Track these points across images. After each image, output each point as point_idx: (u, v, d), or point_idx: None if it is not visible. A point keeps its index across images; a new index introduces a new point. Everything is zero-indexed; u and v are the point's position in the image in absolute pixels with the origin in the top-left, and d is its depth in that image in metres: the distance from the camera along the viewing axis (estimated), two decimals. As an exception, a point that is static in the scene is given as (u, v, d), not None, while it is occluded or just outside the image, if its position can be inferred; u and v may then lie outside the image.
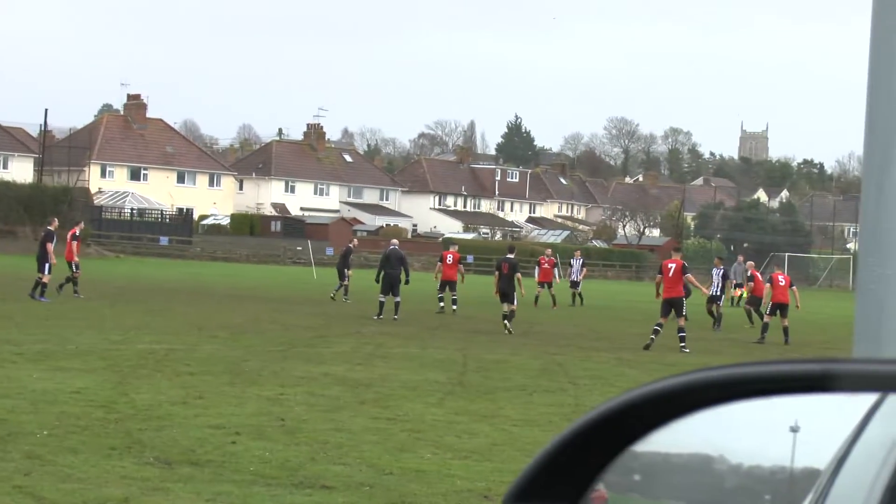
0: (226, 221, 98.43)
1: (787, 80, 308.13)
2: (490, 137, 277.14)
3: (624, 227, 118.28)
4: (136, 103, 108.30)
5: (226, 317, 29.30)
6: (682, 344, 26.31)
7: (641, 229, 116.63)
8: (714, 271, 36.88)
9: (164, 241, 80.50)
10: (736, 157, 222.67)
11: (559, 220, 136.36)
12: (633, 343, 28.00)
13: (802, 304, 34.41)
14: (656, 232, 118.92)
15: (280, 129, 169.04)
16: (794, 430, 1.88)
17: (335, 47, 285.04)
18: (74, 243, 34.71)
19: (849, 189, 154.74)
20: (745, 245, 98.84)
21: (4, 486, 9.40)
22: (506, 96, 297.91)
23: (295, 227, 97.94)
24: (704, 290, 32.74)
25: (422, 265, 71.48)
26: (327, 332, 26.38)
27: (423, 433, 12.90)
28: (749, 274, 37.74)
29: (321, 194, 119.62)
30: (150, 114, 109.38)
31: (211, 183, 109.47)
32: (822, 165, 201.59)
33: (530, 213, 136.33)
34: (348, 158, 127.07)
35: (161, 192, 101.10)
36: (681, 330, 26.64)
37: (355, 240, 46.00)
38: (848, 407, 1.89)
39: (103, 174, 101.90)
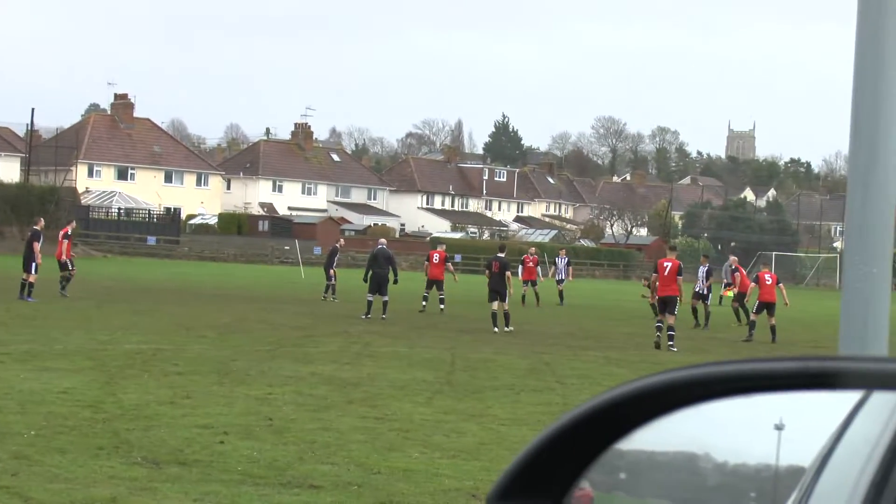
0: (213, 221, 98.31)
1: (773, 79, 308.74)
2: (477, 137, 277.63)
3: (611, 226, 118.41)
4: (123, 103, 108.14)
5: (213, 316, 29.26)
6: (671, 343, 26.37)
7: (629, 228, 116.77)
8: (700, 269, 36.85)
9: (151, 240, 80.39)
10: (723, 156, 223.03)
11: (547, 219, 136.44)
12: (620, 342, 28.04)
13: (790, 303, 34.46)
14: (644, 231, 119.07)
15: (267, 129, 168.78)
16: (779, 427, 1.89)
17: (323, 47, 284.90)
18: (66, 242, 34.69)
19: (836, 188, 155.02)
20: (733, 244, 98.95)
21: (-8, 486, 9.39)
22: (493, 95, 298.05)
23: (283, 227, 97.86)
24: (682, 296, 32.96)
25: (409, 265, 71.48)
26: (315, 332, 26.36)
27: (411, 432, 12.90)
28: (733, 268, 37.79)
29: (309, 194, 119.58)
30: (137, 113, 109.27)
31: (198, 182, 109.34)
32: (809, 164, 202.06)
33: (518, 212, 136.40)
34: (336, 158, 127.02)
35: (148, 191, 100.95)
36: (670, 328, 26.70)
37: (342, 239, 46.01)
38: (832, 405, 1.90)
39: (90, 174, 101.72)
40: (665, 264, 27.47)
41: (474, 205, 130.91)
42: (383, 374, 18.43)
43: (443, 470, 10.88)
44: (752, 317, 31.09)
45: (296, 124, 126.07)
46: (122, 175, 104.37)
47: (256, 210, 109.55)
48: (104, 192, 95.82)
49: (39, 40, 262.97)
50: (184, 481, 9.87)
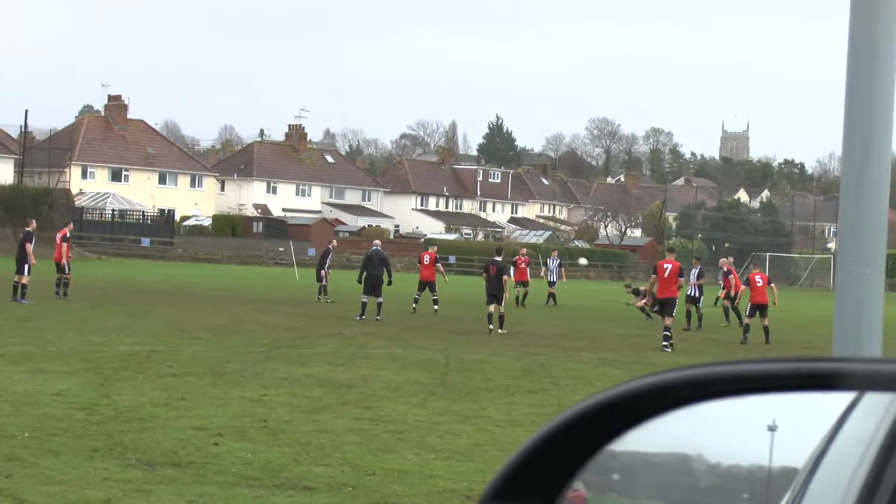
0: (207, 222, 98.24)
1: (767, 80, 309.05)
2: (472, 138, 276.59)
3: (606, 227, 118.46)
4: (116, 104, 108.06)
5: (208, 318, 29.25)
6: (665, 343, 26.39)
7: (623, 229, 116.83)
8: (692, 271, 36.77)
9: (145, 242, 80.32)
10: (717, 157, 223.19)
11: (541, 220, 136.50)
12: (614, 343, 28.05)
13: (783, 304, 34.50)
14: (638, 232, 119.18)
15: (262, 130, 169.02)
16: (772, 429, 1.89)
17: (317, 48, 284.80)
18: (65, 245, 34.65)
19: (829, 189, 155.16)
20: (727, 245, 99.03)
21: (-14, 488, 9.38)
22: (487, 97, 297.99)
23: (277, 228, 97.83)
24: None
25: (404, 266, 71.49)
26: (309, 333, 26.35)
27: (405, 434, 12.90)
28: (726, 270, 37.78)
29: (303, 195, 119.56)
30: (130, 115, 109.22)
31: (192, 184, 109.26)
32: (802, 165, 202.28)
33: (512, 213, 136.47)
34: (330, 159, 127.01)
35: (142, 193, 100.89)
36: (666, 329, 26.74)
37: (334, 241, 45.94)
38: (825, 406, 1.91)
39: (84, 175, 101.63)
40: (665, 266, 27.48)
41: (468, 206, 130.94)
42: (378, 376, 18.42)
43: (437, 471, 10.88)
44: (746, 320, 31.07)
45: (290, 126, 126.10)
46: (116, 177, 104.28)
47: (250, 211, 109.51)
48: (98, 193, 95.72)
49: (32, 42, 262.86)
50: (178, 483, 9.86)
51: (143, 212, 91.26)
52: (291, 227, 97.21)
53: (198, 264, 74.39)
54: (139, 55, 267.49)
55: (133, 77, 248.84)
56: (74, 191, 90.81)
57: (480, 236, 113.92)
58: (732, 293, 36.88)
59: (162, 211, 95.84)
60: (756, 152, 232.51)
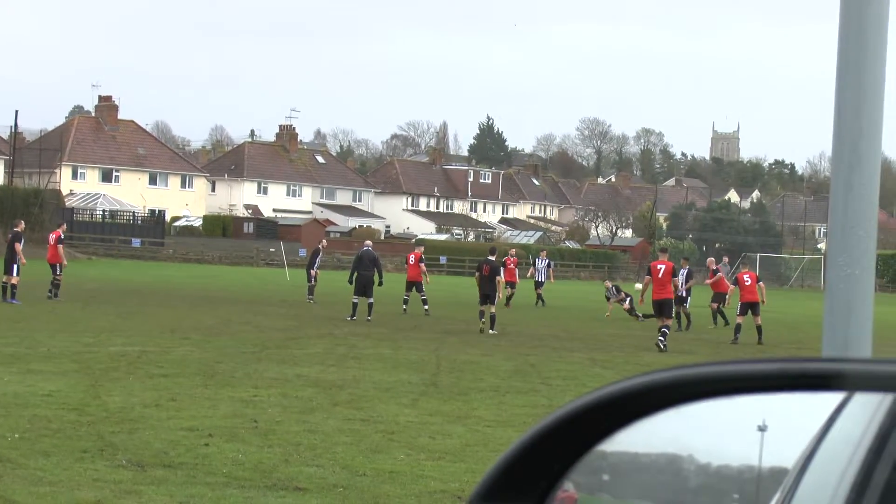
0: (198, 223, 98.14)
1: (758, 81, 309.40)
2: (462, 138, 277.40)
3: (597, 227, 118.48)
4: (107, 105, 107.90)
5: (198, 319, 29.22)
6: (662, 338, 26.44)
7: (614, 230, 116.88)
8: (680, 272, 36.75)
9: (136, 242, 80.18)
10: (707, 157, 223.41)
11: (532, 220, 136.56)
12: (606, 343, 28.07)
13: (774, 304, 34.56)
14: (629, 232, 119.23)
15: (252, 131, 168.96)
16: (762, 429, 1.90)
17: (307, 48, 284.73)
18: (60, 246, 34.64)
19: (820, 189, 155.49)
20: (718, 245, 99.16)
21: (-24, 489, 9.36)
22: (478, 97, 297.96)
23: (268, 229, 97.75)
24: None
25: (395, 266, 71.39)
26: (300, 334, 26.34)
27: (396, 434, 12.90)
28: (714, 269, 37.81)
29: (294, 196, 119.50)
30: (121, 115, 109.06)
31: (183, 184, 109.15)
32: (793, 166, 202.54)
33: (503, 214, 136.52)
34: (321, 160, 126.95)
35: (133, 193, 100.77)
36: (665, 327, 26.86)
37: (324, 241, 45.93)
38: (815, 406, 1.91)
39: (74, 176, 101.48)
40: (659, 267, 27.49)
41: (459, 206, 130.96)
42: (368, 376, 18.42)
43: (428, 472, 10.88)
44: (738, 319, 31.06)
45: (280, 126, 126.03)
46: (107, 177, 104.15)
47: (241, 212, 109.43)
48: (88, 194, 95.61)
49: (22, 42, 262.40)
50: (169, 484, 9.85)
51: (133, 212, 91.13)
52: (282, 228, 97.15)
53: (188, 265, 74.28)
54: (130, 56, 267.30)
55: (124, 78, 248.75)
56: (65, 191, 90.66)
57: (471, 237, 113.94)
58: (712, 290, 37.01)
59: (152, 211, 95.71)
60: (746, 153, 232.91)
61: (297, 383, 17.10)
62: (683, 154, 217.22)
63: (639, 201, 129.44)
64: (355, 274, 32.72)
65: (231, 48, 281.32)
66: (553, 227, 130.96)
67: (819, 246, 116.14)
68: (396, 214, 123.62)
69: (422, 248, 38.90)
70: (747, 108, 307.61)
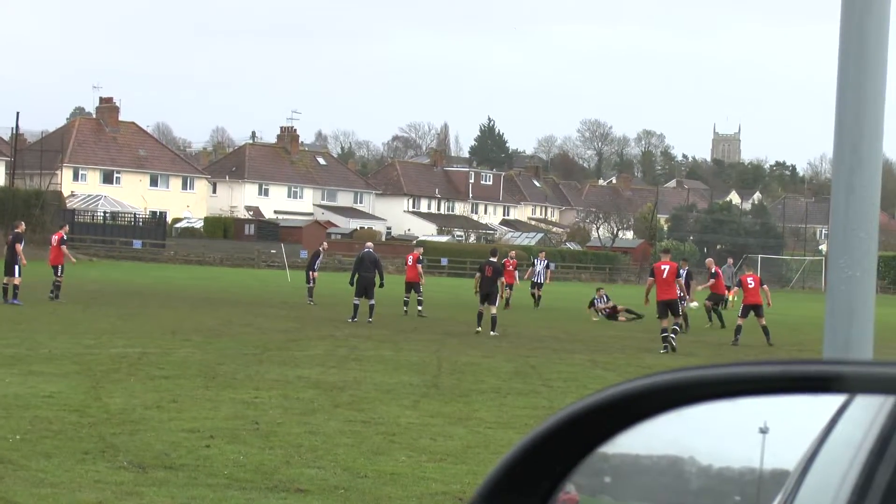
0: (199, 225, 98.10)
1: (758, 82, 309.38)
2: (463, 140, 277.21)
3: (597, 229, 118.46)
4: (108, 106, 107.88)
5: (200, 320, 29.22)
6: (673, 336, 26.67)
7: (615, 231, 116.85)
8: (680, 272, 36.79)
9: (137, 244, 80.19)
10: (708, 159, 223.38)
11: (533, 222, 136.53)
12: (607, 345, 28.05)
13: (775, 306, 34.49)
14: (630, 234, 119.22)
15: (253, 132, 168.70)
16: (763, 431, 1.90)
17: (308, 50, 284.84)
18: (64, 247, 34.70)
19: (821, 191, 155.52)
20: (719, 247, 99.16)
21: (-23, 491, 9.36)
22: (479, 99, 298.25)
23: (269, 231, 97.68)
24: (689, 298, 32.91)
25: (396, 268, 71.34)
26: (301, 336, 26.34)
27: (397, 436, 12.90)
28: (713, 271, 37.83)
29: (295, 197, 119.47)
30: (122, 117, 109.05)
31: (184, 186, 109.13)
32: (794, 167, 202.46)
33: (504, 215, 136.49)
34: (322, 161, 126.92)
35: (134, 195, 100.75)
36: (675, 325, 26.98)
37: (325, 243, 45.94)
38: (816, 408, 1.91)
39: (76, 178, 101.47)
40: (662, 267, 27.54)
41: (460, 208, 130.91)
42: (369, 378, 18.42)
43: (429, 473, 10.88)
44: (739, 321, 31.02)
45: (281, 128, 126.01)
46: (108, 179, 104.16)
47: (242, 214, 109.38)
48: (89, 195, 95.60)
49: (24, 43, 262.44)
50: (170, 485, 9.85)
51: (134, 214, 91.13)
52: (283, 230, 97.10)
53: (189, 266, 74.28)
54: (130, 57, 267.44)
55: (125, 79, 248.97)
56: (66, 193, 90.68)
57: (472, 238, 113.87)
58: (709, 290, 37.10)
59: (153, 213, 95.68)
60: (747, 154, 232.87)
61: (299, 385, 17.10)
62: (684, 156, 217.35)
63: (640, 203, 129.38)
64: (356, 275, 32.72)
65: (231, 49, 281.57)
66: (554, 229, 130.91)
67: (820, 247, 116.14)
68: (397, 216, 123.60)
69: (421, 250, 38.98)
70: (748, 109, 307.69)
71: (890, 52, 3.90)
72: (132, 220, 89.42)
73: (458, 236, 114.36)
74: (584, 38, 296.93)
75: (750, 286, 31.12)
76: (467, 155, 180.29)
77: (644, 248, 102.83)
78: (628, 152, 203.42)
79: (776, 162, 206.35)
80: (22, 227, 34.12)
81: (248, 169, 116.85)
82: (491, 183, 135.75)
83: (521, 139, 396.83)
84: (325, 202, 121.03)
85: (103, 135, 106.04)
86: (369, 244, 36.02)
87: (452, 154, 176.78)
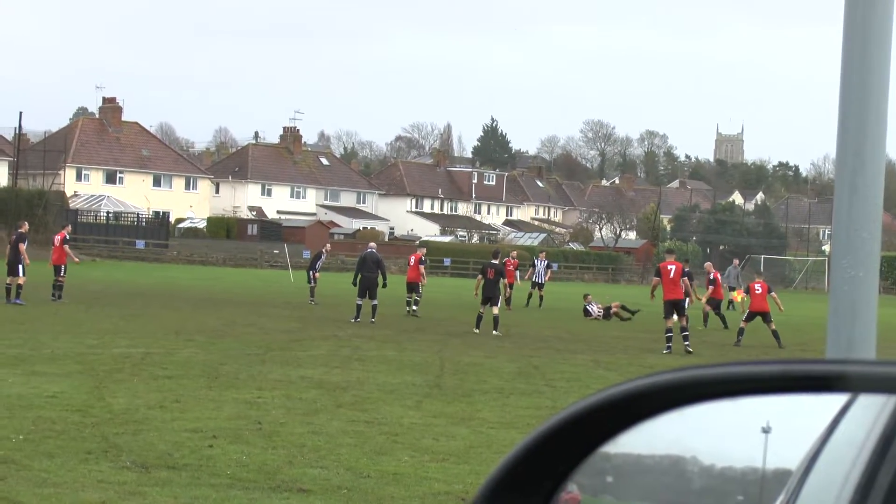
0: (202, 225, 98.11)
1: (761, 83, 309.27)
2: (466, 140, 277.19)
3: (600, 229, 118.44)
4: (111, 106, 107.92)
5: (202, 320, 29.23)
6: (686, 343, 26.80)
7: (618, 232, 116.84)
8: None
9: (140, 244, 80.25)
10: (711, 159, 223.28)
11: (536, 222, 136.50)
12: (609, 345, 28.05)
13: (784, 308, 34.52)
14: (633, 235, 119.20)
15: (256, 133, 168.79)
16: (766, 430, 1.90)
17: (311, 50, 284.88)
18: (66, 246, 34.71)
19: (824, 191, 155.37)
20: (722, 247, 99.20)
21: (-20, 491, 9.37)
22: (482, 99, 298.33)
23: (272, 231, 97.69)
24: (697, 296, 32.88)
25: (398, 268, 71.32)
26: (304, 336, 26.35)
27: (400, 436, 12.90)
28: (711, 277, 37.86)
29: (298, 197, 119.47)
30: (125, 117, 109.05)
31: (187, 186, 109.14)
32: (797, 168, 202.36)
33: (507, 215, 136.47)
34: (325, 161, 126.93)
35: (137, 195, 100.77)
36: (684, 329, 27.03)
37: (328, 244, 45.98)
38: (819, 408, 1.91)
39: (79, 177, 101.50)
40: (668, 268, 27.59)
41: (463, 208, 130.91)
42: (372, 378, 18.42)
43: (432, 473, 10.88)
44: (742, 324, 31.03)
45: (284, 128, 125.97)
46: (111, 179, 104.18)
47: (245, 214, 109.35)
48: (92, 196, 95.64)
49: (27, 44, 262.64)
50: (173, 485, 9.86)
51: (137, 214, 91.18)
52: (286, 230, 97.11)
53: (192, 266, 74.32)
54: (134, 57, 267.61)
55: (128, 79, 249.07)
56: (69, 193, 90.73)
57: (475, 239, 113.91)
58: (708, 295, 37.16)
59: (156, 213, 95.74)
60: (750, 155, 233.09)
61: (301, 385, 17.11)
62: (687, 156, 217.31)
63: (643, 203, 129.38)
64: (359, 276, 32.72)
65: (232, 49, 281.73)
66: (557, 229, 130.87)
67: (823, 248, 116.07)
68: (400, 216, 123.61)
69: (423, 250, 39.00)
70: (751, 110, 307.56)
71: (893, 53, 3.90)
72: (135, 220, 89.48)
73: (461, 237, 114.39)
74: (584, 39, 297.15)
75: (757, 292, 31.10)
76: (470, 155, 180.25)
77: (647, 249, 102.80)
78: (631, 153, 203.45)
79: (779, 162, 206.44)
80: (25, 227, 34.16)
81: (251, 169, 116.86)
82: (494, 183, 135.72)
83: (524, 139, 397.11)
84: (328, 202, 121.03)
85: (106, 135, 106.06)
86: (372, 244, 36.02)
87: (455, 154, 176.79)
